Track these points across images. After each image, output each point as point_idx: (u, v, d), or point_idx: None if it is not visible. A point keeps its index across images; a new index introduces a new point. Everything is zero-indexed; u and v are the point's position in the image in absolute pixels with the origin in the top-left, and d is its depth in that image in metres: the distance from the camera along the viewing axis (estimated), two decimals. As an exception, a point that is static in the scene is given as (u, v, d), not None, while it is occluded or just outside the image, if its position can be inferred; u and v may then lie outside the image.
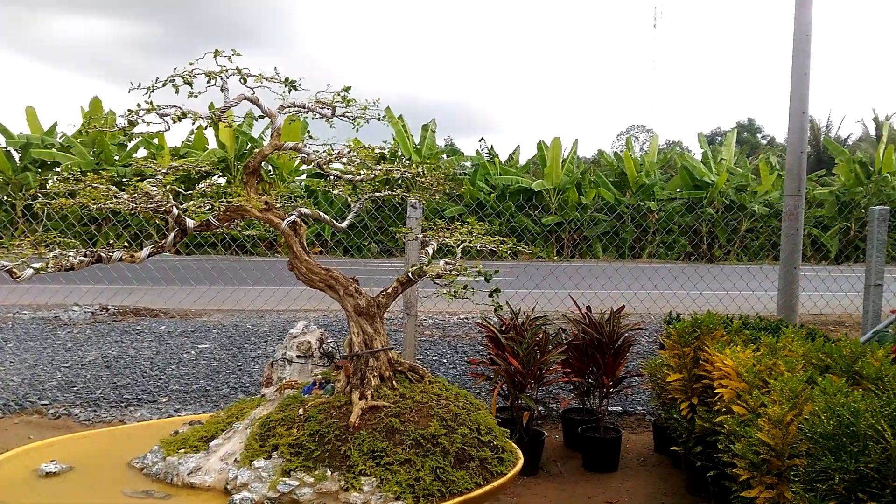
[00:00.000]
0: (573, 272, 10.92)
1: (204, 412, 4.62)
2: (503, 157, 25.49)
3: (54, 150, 21.09)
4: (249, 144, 21.93)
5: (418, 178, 2.35)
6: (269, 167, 21.29)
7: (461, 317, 8.54)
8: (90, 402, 5.09)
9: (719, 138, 40.56)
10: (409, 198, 3.17)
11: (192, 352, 6.71)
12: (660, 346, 4.13)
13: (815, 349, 2.91)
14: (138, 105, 2.00)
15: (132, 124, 2.00)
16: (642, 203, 22.96)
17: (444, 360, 6.21)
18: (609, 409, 4.75)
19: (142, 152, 22.73)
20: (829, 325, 8.24)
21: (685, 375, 3.39)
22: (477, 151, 25.15)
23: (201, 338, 7.41)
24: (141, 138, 22.05)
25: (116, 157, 21.98)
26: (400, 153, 22.93)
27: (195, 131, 21.26)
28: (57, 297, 9.40)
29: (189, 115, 2.09)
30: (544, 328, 3.85)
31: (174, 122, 2.03)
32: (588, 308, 4.10)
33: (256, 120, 2.56)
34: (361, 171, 2.32)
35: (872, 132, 31.48)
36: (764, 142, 42.55)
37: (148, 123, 2.21)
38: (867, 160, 23.70)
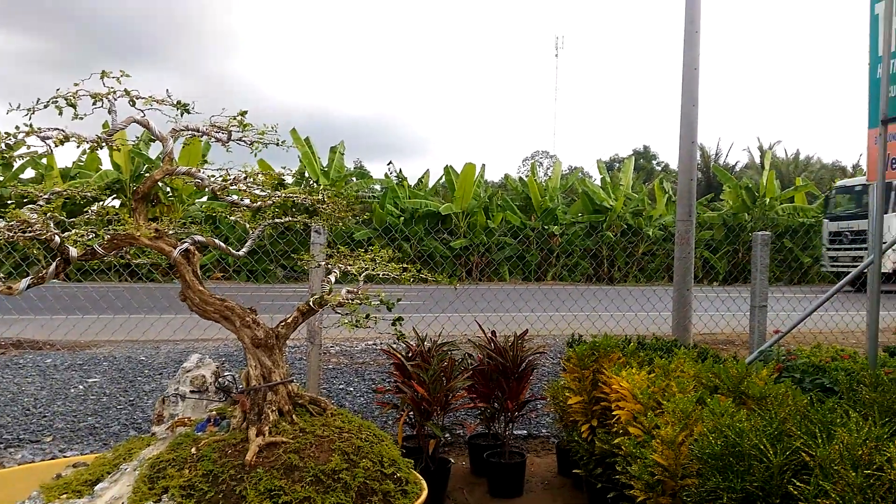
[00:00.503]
0: (482, 295, 11.07)
1: (92, 452, 4.32)
2: (412, 181, 25.64)
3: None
4: (146, 166, 21.03)
5: (319, 206, 2.31)
6: (169, 189, 20.48)
7: (369, 343, 8.43)
8: (-39, 446, 4.66)
9: (617, 164, 42.40)
10: (312, 224, 3.11)
11: (80, 387, 6.29)
12: (563, 368, 4.22)
13: (705, 370, 3.05)
14: (17, 128, 1.86)
15: (11, 148, 1.86)
16: (546, 227, 23.61)
17: (351, 389, 6.10)
18: (515, 432, 4.79)
19: (29, 173, 21.36)
20: (720, 345, 8.68)
21: (585, 398, 3.47)
22: (386, 175, 25.18)
23: (90, 371, 6.96)
24: (27, 158, 20.72)
25: (0, 178, 20.56)
26: (307, 175, 22.62)
27: (87, 151, 20.18)
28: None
29: (73, 138, 1.97)
30: (450, 354, 3.86)
31: (56, 145, 1.91)
32: (493, 333, 4.14)
33: (153, 141, 2.45)
34: (259, 198, 2.25)
35: (757, 160, 33.79)
36: (658, 168, 44.83)
37: (29, 147, 2.07)
38: (752, 186, 25.37)
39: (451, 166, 24.36)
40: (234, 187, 2.22)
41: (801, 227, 23.91)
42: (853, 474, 1.60)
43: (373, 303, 2.19)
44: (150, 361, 7.50)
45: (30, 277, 2.10)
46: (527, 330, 4.29)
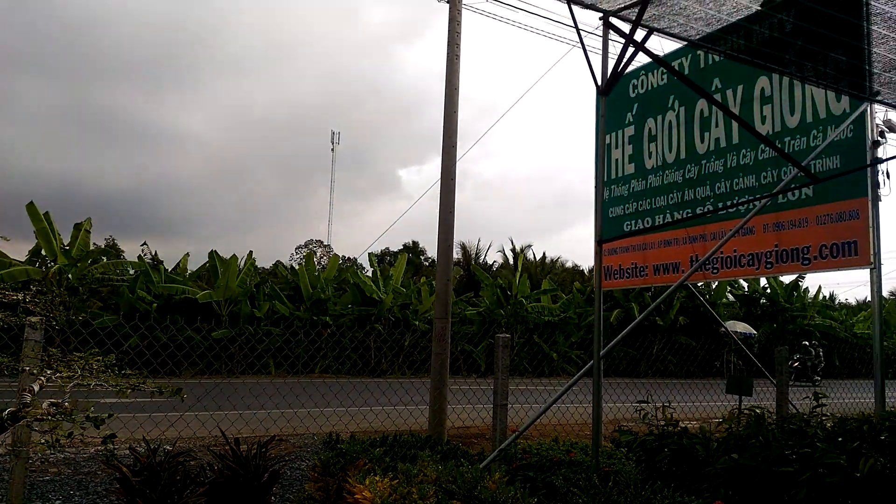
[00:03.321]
0: (246, 391, 10.43)
1: None
2: (170, 265, 24.02)
3: None
4: None
5: (23, 304, 2.02)
6: None
7: (99, 449, 7.46)
8: None
9: (388, 258, 43.71)
10: (28, 319, 2.73)
11: None
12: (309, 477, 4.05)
13: (445, 474, 3.11)
14: None
15: None
16: (317, 317, 23.32)
17: (71, 505, 5.29)
18: (259, 546, 4.46)
19: None
20: (472, 439, 9.02)
21: (330, 508, 3.35)
22: (139, 256, 23.34)
23: None
24: None
25: None
26: (43, 254, 20.19)
27: None
28: None
29: None
30: (184, 465, 3.52)
31: None
32: (236, 441, 3.87)
33: None
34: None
35: (511, 260, 36.89)
36: (426, 263, 47.00)
37: None
38: (506, 285, 27.52)
39: (216, 251, 23.32)
40: None
41: (547, 325, 26.29)
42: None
43: (78, 418, 1.92)
44: None
45: None
46: (274, 436, 4.09)
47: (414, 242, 50.68)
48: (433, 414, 6.77)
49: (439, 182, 7.45)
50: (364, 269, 32.33)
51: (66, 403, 2.09)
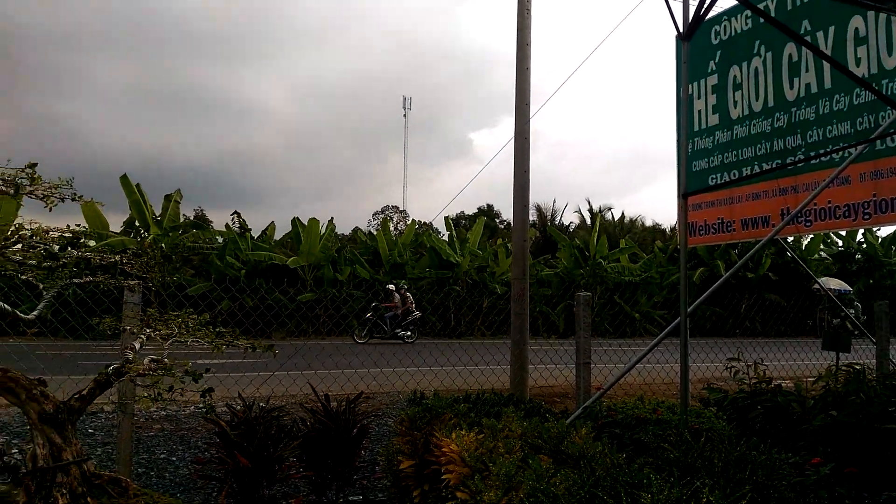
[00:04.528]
0: (330, 354, 10.77)
1: None
2: (258, 233, 24.88)
3: None
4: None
5: (121, 265, 2.12)
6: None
7: (199, 407, 7.88)
8: None
9: (464, 221, 43.79)
10: (126, 283, 2.87)
11: None
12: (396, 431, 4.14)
13: (531, 429, 3.11)
14: None
15: None
16: (395, 281, 23.73)
17: (174, 459, 5.62)
18: (350, 499, 4.62)
19: None
20: (555, 398, 9.01)
21: (417, 461, 3.41)
22: (227, 225, 24.23)
23: None
24: None
25: None
26: (137, 224, 21.25)
27: None
28: None
29: None
30: (278, 420, 3.67)
31: None
32: (326, 396, 4.00)
33: None
34: (50, 259, 2.02)
35: (588, 220, 36.27)
36: (502, 226, 46.82)
37: None
38: (583, 246, 27.13)
39: (298, 219, 23.96)
40: (19, 246, 1.99)
41: (628, 285, 25.81)
42: (653, 536, 1.66)
43: (177, 373, 2.02)
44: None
45: None
46: (362, 392, 4.19)
47: (489, 206, 50.55)
48: (514, 372, 6.78)
49: (513, 142, 7.35)
50: (440, 233, 32.52)
51: (166, 360, 2.19)
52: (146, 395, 1.99)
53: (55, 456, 2.17)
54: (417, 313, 20.37)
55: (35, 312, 2.28)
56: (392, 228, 31.59)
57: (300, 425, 3.87)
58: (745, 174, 7.51)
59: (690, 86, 8.32)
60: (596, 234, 27.24)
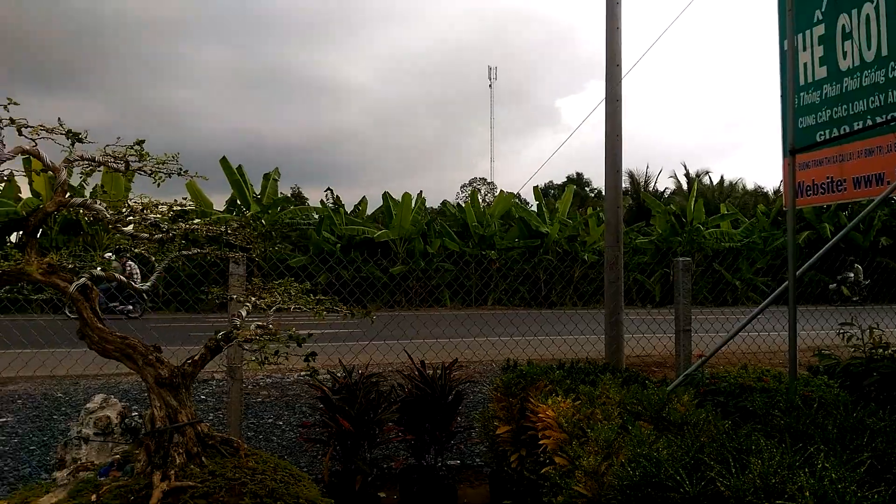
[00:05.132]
0: (423, 322, 10.96)
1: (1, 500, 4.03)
2: (350, 208, 25.49)
3: None
4: (69, 194, 20.18)
5: (226, 236, 2.20)
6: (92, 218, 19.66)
7: (303, 374, 8.21)
8: None
9: (553, 191, 43.17)
10: (231, 255, 3.00)
11: (-11, 427, 5.89)
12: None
13: (630, 396, 3.04)
14: None
15: None
16: (484, 252, 23.76)
17: (281, 423, 5.90)
18: (447, 463, 4.71)
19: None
20: (652, 367, 8.81)
21: (513, 427, 3.42)
22: (322, 201, 24.93)
23: (2, 410, 6.54)
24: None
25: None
26: (238, 203, 22.18)
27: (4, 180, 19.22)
28: None
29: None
30: (378, 385, 3.76)
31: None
32: (422, 363, 4.06)
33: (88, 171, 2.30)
34: (159, 231, 2.13)
35: (685, 185, 34.95)
36: (592, 195, 45.86)
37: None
38: (680, 212, 26.19)
39: (389, 193, 24.34)
40: (132, 219, 2.10)
41: (728, 251, 24.75)
42: None
43: (282, 338, 2.09)
44: (68, 398, 7.10)
45: None
46: (456, 359, 4.23)
47: (578, 174, 49.59)
48: (609, 340, 6.65)
49: (603, 105, 7.12)
50: (529, 203, 32.20)
51: (270, 326, 2.28)
52: (253, 358, 2.08)
53: (171, 418, 2.30)
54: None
55: (148, 283, 2.42)
56: (480, 200, 31.53)
57: (398, 391, 3.96)
58: (856, 129, 6.99)
59: (795, 37, 7.79)
60: (693, 199, 26.22)
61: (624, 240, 9.76)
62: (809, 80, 7.87)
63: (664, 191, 38.58)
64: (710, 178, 37.55)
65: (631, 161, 49.20)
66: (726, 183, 38.28)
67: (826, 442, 2.04)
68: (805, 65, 7.92)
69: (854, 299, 22.75)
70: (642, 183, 38.95)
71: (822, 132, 7.71)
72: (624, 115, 7.27)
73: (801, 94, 7.88)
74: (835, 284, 23.13)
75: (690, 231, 24.95)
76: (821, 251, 5.41)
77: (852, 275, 23.43)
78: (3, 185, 19.82)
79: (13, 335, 10.01)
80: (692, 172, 35.32)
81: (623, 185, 8.42)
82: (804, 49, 7.95)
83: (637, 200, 34.76)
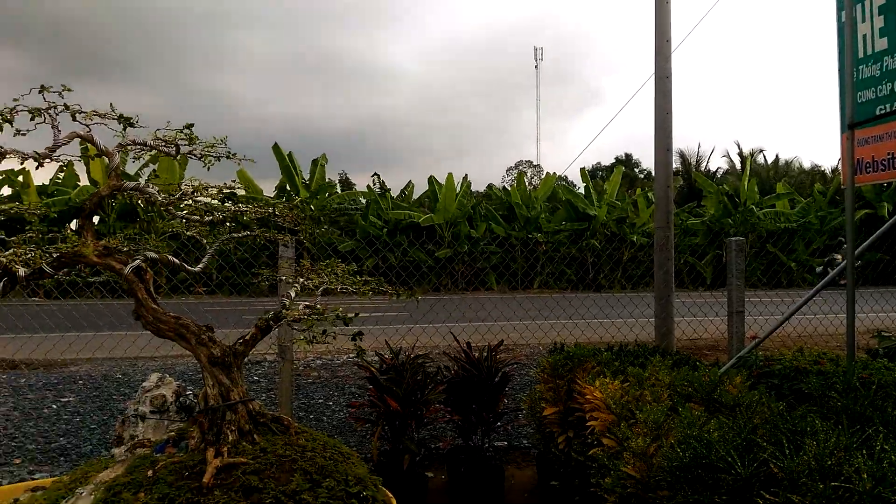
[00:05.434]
0: (469, 305, 11.00)
1: (61, 474, 4.21)
2: (396, 192, 25.62)
3: None
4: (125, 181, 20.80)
5: (273, 218, 2.24)
6: (146, 205, 20.27)
7: (352, 356, 8.33)
8: (-71, 469, 4.53)
9: (601, 173, 42.56)
10: (280, 238, 3.05)
11: (53, 406, 6.15)
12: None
13: (679, 378, 2.99)
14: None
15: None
16: (531, 235, 23.61)
17: (331, 403, 6.01)
18: (495, 444, 4.72)
19: (5, 191, 21.09)
20: (703, 350, 8.65)
21: (560, 408, 3.41)
22: (369, 186, 25.12)
23: (65, 390, 6.82)
24: (3, 176, 20.48)
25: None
26: (288, 188, 22.51)
27: (64, 168, 19.96)
28: None
29: (12, 155, 1.89)
30: (425, 366, 3.79)
31: (-11, 161, 1.84)
32: (468, 345, 4.07)
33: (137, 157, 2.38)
34: (209, 213, 2.18)
35: (738, 165, 34.03)
36: (641, 176, 45.03)
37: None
38: (732, 192, 25.52)
39: (434, 177, 24.37)
40: (184, 202, 2.15)
41: (784, 232, 24.05)
42: (821, 486, 1.55)
43: (329, 318, 2.12)
44: (127, 379, 7.36)
45: (-28, 298, 2.02)
46: (502, 341, 4.22)
47: (627, 155, 48.77)
48: (659, 323, 6.54)
49: (652, 82, 6.95)
50: (576, 185, 31.80)
51: (318, 305, 2.31)
52: (302, 338, 2.12)
53: (224, 396, 2.36)
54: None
55: (200, 265, 2.48)
56: (527, 183, 31.30)
57: (444, 372, 3.98)
58: (921, 102, 6.68)
59: (853, 8, 7.46)
60: (746, 178, 25.52)
61: (674, 221, 9.54)
62: (868, 52, 7.52)
63: (716, 171, 37.65)
64: (764, 156, 36.49)
65: (682, 141, 48.20)
66: (781, 162, 37.15)
67: (885, 424, 1.97)
68: (864, 36, 7.57)
69: (842, 282, 21.83)
70: (693, 163, 38.09)
71: (883, 106, 7.38)
72: (674, 92, 7.08)
73: (860, 67, 7.55)
74: (821, 267, 22.19)
75: (744, 211, 24.31)
76: (880, 230, 5.20)
77: (839, 256, 22.48)
78: (62, 173, 20.57)
79: (74, 319, 10.43)
80: (745, 151, 34.32)
81: (674, 166, 8.21)
82: (863, 20, 7.59)
83: (688, 181, 34.03)
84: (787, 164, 37.33)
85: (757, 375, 3.69)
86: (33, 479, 4.29)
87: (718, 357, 7.02)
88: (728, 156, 36.88)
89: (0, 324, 9.07)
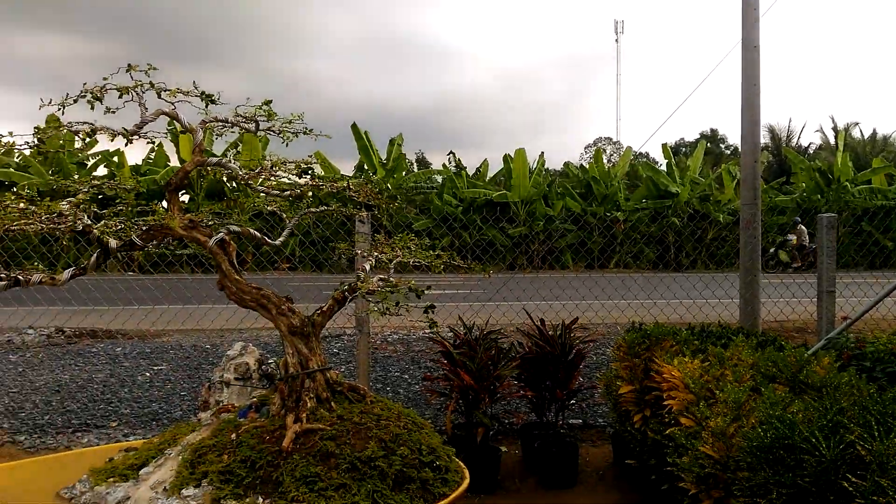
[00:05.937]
0: (544, 283, 10.93)
1: (153, 437, 4.48)
2: (472, 171, 25.59)
3: (11, 169, 20.62)
4: (208, 157, 21.66)
5: (347, 193, 2.28)
6: (234, 183, 21.05)
7: (427, 331, 8.45)
8: (36, 429, 4.90)
9: (684, 149, 41.16)
10: (356, 213, 3.11)
11: (147, 374, 6.52)
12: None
13: (763, 358, 2.89)
14: (48, 123, 1.91)
15: (41, 142, 1.91)
16: (609, 213, 23.15)
17: (406, 377, 6.12)
18: (569, 422, 4.70)
19: (102, 171, 22.33)
20: (791, 332, 8.30)
21: (637, 387, 3.35)
22: (444, 165, 25.20)
23: (157, 359, 7.22)
24: (100, 156, 21.68)
25: (77, 176, 21.55)
26: (366, 167, 22.86)
27: (154, 148, 20.95)
28: (13, 320, 9.10)
29: (102, 131, 2.00)
30: (497, 342, 3.80)
31: (84, 138, 1.95)
32: (542, 321, 4.05)
33: (220, 136, 2.48)
34: (288, 188, 2.24)
35: (832, 140, 32.22)
36: (727, 152, 43.29)
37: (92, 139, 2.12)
38: (826, 168, 24.21)
39: (509, 155, 24.19)
40: (262, 178, 2.23)
41: (880, 209, 22.66)
42: (914, 470, 1.47)
43: (402, 291, 2.15)
44: (214, 349, 7.71)
45: (72, 268, 2.15)
46: (577, 318, 4.18)
47: (712, 130, 46.94)
48: (744, 303, 6.31)
49: (738, 52, 6.64)
50: (657, 162, 30.88)
51: (392, 279, 2.35)
52: (375, 309, 2.16)
53: (303, 364, 2.44)
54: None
55: (280, 238, 2.56)
56: (605, 160, 30.65)
57: (517, 348, 3.98)
58: None
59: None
60: (840, 153, 24.12)
61: (762, 198, 9.15)
62: None
63: (808, 146, 35.77)
64: (860, 130, 34.35)
65: (771, 116, 45.93)
66: (879, 136, 34.88)
67: None
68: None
69: (794, 265, 20.14)
70: (784, 138, 36.32)
71: None
72: (762, 63, 6.74)
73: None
74: (773, 249, 20.55)
75: (837, 188, 23.04)
76: None
77: (793, 237, 20.76)
78: (153, 153, 21.56)
79: (166, 292, 10.98)
80: (840, 125, 32.45)
81: (762, 141, 7.84)
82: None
83: (777, 157, 32.51)
84: (885, 139, 35.01)
85: (847, 357, 3.52)
86: (127, 441, 4.59)
87: (807, 339, 6.73)
88: (822, 130, 35.02)
89: (98, 296, 9.65)
